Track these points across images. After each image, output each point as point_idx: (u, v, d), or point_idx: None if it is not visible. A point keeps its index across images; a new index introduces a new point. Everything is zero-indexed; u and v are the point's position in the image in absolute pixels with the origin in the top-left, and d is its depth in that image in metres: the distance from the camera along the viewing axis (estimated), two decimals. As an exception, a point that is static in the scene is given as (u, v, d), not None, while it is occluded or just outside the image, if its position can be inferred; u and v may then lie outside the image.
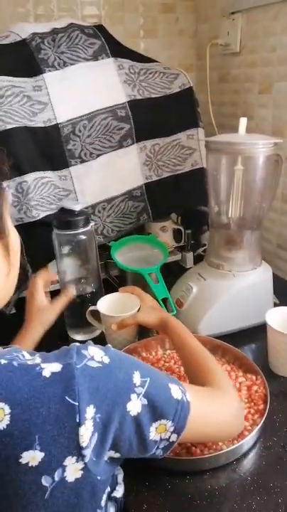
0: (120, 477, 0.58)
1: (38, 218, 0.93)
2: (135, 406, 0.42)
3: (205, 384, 0.58)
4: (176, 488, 0.59)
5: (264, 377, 0.71)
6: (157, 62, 1.07)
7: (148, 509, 0.56)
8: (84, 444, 0.38)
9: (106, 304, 0.84)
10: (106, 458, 0.42)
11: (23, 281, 0.91)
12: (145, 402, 0.43)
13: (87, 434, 0.39)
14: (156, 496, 0.57)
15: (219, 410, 0.54)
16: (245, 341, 0.87)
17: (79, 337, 0.91)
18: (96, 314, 0.85)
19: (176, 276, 1.00)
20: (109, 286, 1.04)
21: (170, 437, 0.46)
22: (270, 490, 0.57)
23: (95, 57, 0.98)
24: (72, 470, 0.39)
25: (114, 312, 0.81)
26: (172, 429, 0.46)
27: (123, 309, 0.81)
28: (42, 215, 0.94)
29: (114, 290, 0.88)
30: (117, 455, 0.44)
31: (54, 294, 0.83)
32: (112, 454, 0.43)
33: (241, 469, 0.61)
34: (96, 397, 0.39)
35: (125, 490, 0.57)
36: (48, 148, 0.94)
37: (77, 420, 0.38)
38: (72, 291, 0.82)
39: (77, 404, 0.38)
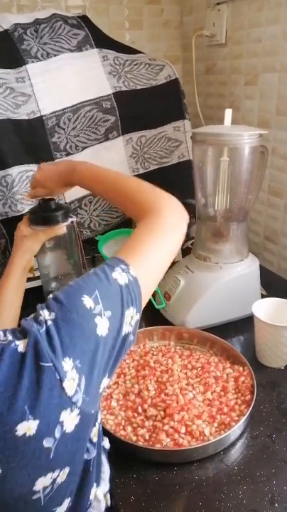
0: (107, 473, 0.57)
1: (23, 212, 0.92)
2: (103, 326, 0.42)
3: (139, 217, 0.56)
4: (164, 480, 0.59)
5: (251, 369, 0.72)
6: (142, 53, 1.06)
7: (135, 501, 0.56)
8: (71, 393, 0.40)
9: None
10: (101, 389, 0.43)
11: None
12: (109, 313, 0.43)
13: (71, 384, 0.40)
14: (144, 488, 0.57)
15: (162, 248, 0.52)
16: (233, 333, 0.88)
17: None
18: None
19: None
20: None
21: (136, 320, 0.47)
22: (257, 479, 0.58)
23: (79, 48, 0.97)
24: (69, 421, 0.40)
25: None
26: (135, 311, 0.46)
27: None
28: (27, 209, 0.93)
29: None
30: (108, 381, 0.45)
31: (35, 291, 0.82)
32: (106, 382, 0.44)
33: (229, 459, 0.61)
34: (66, 350, 0.40)
35: (113, 483, 0.57)
36: (33, 141, 0.93)
37: (58, 377, 0.39)
38: (63, 229, 0.78)
39: (50, 364, 0.39)
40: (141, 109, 1.02)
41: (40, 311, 0.42)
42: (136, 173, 1.05)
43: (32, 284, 1.04)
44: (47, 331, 0.40)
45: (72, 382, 0.40)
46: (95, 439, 0.49)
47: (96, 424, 0.50)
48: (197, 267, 0.91)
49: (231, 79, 1.17)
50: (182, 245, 1.21)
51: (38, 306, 0.44)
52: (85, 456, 0.47)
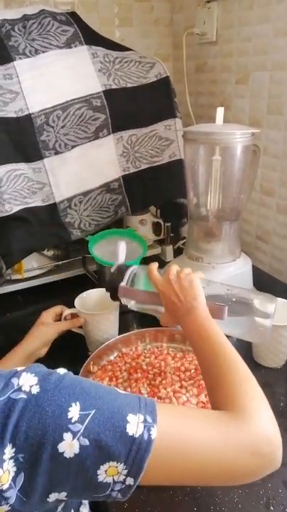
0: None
1: (12, 212, 0.90)
2: (70, 447, 0.35)
3: (222, 406, 0.45)
4: (157, 485, 0.57)
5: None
6: (132, 50, 1.05)
7: (129, 507, 0.55)
8: (4, 487, 0.34)
9: (83, 302, 0.82)
10: (51, 499, 0.37)
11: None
12: (87, 442, 0.36)
13: (6, 476, 0.34)
14: (138, 495, 0.56)
15: (215, 445, 0.40)
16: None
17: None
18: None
19: (156, 269, 0.98)
20: (87, 282, 1.02)
21: (125, 480, 0.37)
22: (251, 483, 0.56)
23: (68, 44, 0.95)
24: None
25: (91, 309, 0.80)
26: (125, 472, 0.37)
27: (101, 306, 0.80)
28: (15, 209, 0.91)
29: (93, 286, 0.86)
30: (63, 496, 0.37)
31: (24, 292, 0.81)
32: (57, 495, 0.37)
33: (223, 463, 0.60)
34: (15, 436, 0.35)
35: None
36: (21, 139, 0.91)
37: None
38: (80, 321, 0.79)
39: None
40: (132, 107, 1.01)
41: (24, 374, 0.38)
42: (127, 173, 1.04)
43: (22, 285, 1.02)
44: (7, 403, 0.35)
45: (6, 474, 0.34)
46: None
47: None
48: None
49: (222, 77, 1.17)
50: (174, 245, 1.21)
51: (35, 367, 0.40)
52: None
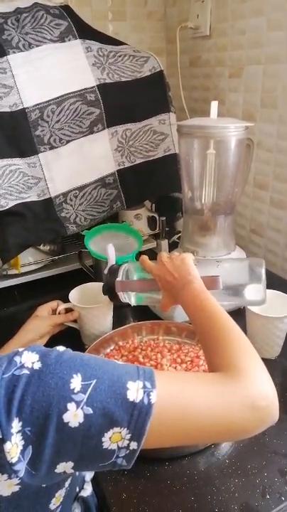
0: (88, 476, 0.56)
1: (7, 208, 0.90)
2: (75, 416, 0.36)
3: (219, 367, 0.47)
4: (155, 475, 0.58)
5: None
6: (126, 44, 1.04)
7: (127, 498, 0.55)
8: (13, 460, 0.35)
9: (77, 295, 0.82)
10: (58, 470, 0.38)
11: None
12: (90, 411, 0.37)
13: (14, 449, 0.35)
14: (135, 484, 0.57)
15: (214, 403, 0.42)
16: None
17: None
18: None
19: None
20: (84, 276, 1.03)
21: (129, 445, 0.39)
22: (247, 472, 0.58)
23: (62, 38, 0.94)
24: (5, 486, 0.37)
25: (86, 303, 0.80)
26: (129, 436, 0.38)
27: (95, 299, 0.80)
28: (11, 204, 0.91)
29: (89, 280, 0.87)
30: (70, 466, 0.38)
31: (20, 287, 0.81)
32: (64, 466, 0.38)
33: (220, 453, 0.61)
34: (21, 409, 0.36)
35: (103, 480, 0.56)
36: (15, 134, 0.90)
37: (0, 436, 0.35)
38: (75, 315, 0.80)
39: None
40: (126, 101, 1.01)
41: (26, 352, 0.39)
42: (122, 167, 1.04)
43: (18, 280, 1.02)
44: (11, 379, 0.36)
45: (15, 448, 0.35)
46: (54, 507, 0.44)
47: (59, 492, 0.45)
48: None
49: (215, 71, 1.17)
50: (169, 239, 1.21)
51: (34, 346, 0.40)
52: None
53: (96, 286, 0.83)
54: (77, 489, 0.53)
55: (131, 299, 0.74)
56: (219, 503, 0.54)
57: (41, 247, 1.05)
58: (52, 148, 0.94)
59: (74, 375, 0.38)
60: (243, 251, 0.95)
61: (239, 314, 0.83)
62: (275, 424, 0.61)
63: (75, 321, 0.81)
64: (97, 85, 0.96)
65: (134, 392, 0.39)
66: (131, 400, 0.38)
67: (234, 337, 0.51)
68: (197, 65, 1.24)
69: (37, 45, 0.92)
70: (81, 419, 0.37)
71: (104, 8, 1.23)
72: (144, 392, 0.39)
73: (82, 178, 1.00)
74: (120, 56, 1.01)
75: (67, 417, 0.36)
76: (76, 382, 0.37)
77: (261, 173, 1.08)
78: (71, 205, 1.00)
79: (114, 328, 0.83)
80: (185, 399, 0.42)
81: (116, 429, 0.38)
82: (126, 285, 0.72)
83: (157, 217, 1.17)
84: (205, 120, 0.84)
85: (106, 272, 0.75)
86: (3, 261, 0.93)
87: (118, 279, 0.72)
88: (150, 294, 0.73)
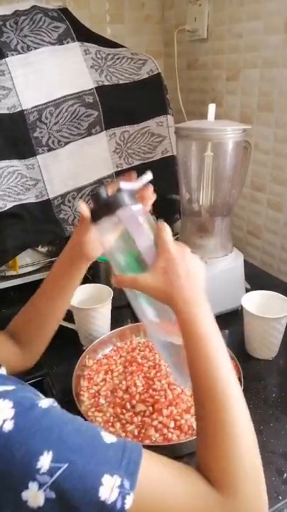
0: None
1: (5, 209, 0.90)
2: (34, 498, 0.32)
3: (210, 473, 0.40)
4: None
5: (238, 362, 0.72)
6: (124, 47, 1.05)
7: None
8: None
9: (77, 296, 0.82)
10: None
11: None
12: (53, 495, 0.32)
13: None
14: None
15: None
16: (219, 327, 0.88)
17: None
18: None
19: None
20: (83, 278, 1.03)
21: None
22: (246, 471, 0.58)
23: (60, 41, 0.95)
24: None
25: (84, 304, 0.80)
26: None
27: (95, 301, 0.80)
28: (9, 205, 0.91)
29: (87, 281, 0.87)
30: None
31: (17, 289, 0.81)
32: None
33: (218, 452, 0.61)
34: None
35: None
36: (14, 136, 0.91)
37: None
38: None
39: None
40: (124, 103, 1.01)
41: (7, 402, 0.35)
42: (120, 169, 1.05)
43: (15, 281, 1.02)
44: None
45: None
46: None
47: None
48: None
49: (213, 74, 1.18)
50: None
51: (16, 392, 0.36)
52: None
53: (94, 287, 0.84)
54: None
55: (109, 240, 0.54)
56: (217, 502, 0.54)
57: (39, 248, 1.05)
58: (50, 150, 0.95)
59: (45, 452, 0.33)
60: (240, 252, 0.95)
61: (233, 317, 0.84)
62: (273, 424, 0.62)
63: (73, 322, 0.81)
64: (95, 87, 0.97)
65: (108, 490, 0.33)
66: (101, 499, 0.33)
67: (236, 436, 0.43)
68: (194, 67, 1.25)
69: (35, 48, 0.92)
70: (41, 503, 0.33)
71: (102, 11, 1.24)
72: (119, 494, 0.34)
73: (80, 180, 1.00)
74: (118, 59, 1.02)
75: (25, 496, 0.32)
76: (44, 461, 0.33)
77: (258, 175, 1.09)
78: (69, 207, 1.00)
79: (112, 329, 0.84)
80: (166, 510, 0.37)
81: None
82: (131, 220, 0.53)
83: (155, 219, 1.18)
84: (203, 123, 0.85)
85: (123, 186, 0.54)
86: (0, 262, 0.93)
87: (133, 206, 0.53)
88: (130, 253, 0.55)
